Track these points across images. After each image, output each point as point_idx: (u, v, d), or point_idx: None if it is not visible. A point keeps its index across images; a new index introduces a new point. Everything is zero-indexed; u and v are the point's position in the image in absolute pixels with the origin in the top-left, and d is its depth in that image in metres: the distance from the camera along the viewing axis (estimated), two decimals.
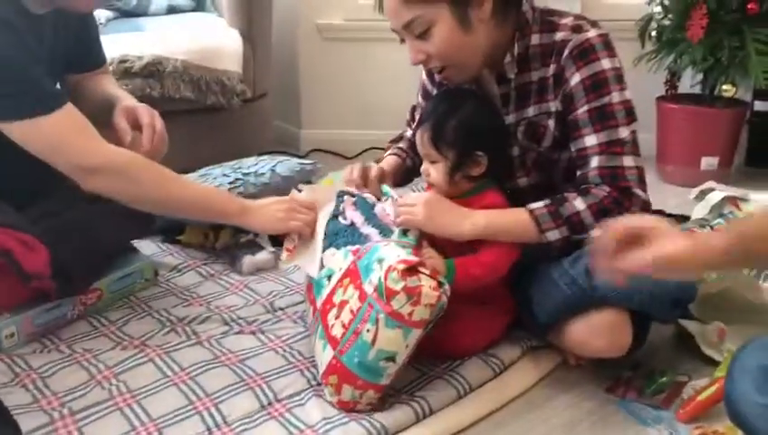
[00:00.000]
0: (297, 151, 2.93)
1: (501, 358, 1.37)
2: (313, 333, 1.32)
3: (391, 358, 1.17)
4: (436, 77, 1.48)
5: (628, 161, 1.30)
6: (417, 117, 1.64)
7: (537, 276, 1.36)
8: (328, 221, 1.42)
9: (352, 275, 1.25)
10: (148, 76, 2.11)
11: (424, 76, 1.58)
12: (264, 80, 2.56)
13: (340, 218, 1.39)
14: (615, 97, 1.30)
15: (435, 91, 1.55)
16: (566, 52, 1.31)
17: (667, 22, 2.50)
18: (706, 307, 1.47)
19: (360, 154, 2.93)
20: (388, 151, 1.65)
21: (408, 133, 1.68)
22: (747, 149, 2.70)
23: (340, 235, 1.36)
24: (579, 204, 1.28)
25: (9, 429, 1.07)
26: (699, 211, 1.81)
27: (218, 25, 2.54)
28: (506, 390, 1.33)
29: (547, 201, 1.31)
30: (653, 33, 2.53)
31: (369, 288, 1.18)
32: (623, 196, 1.28)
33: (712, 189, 1.84)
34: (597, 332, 1.27)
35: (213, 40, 2.35)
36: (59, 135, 1.34)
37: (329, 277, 1.31)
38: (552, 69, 1.34)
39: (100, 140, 1.38)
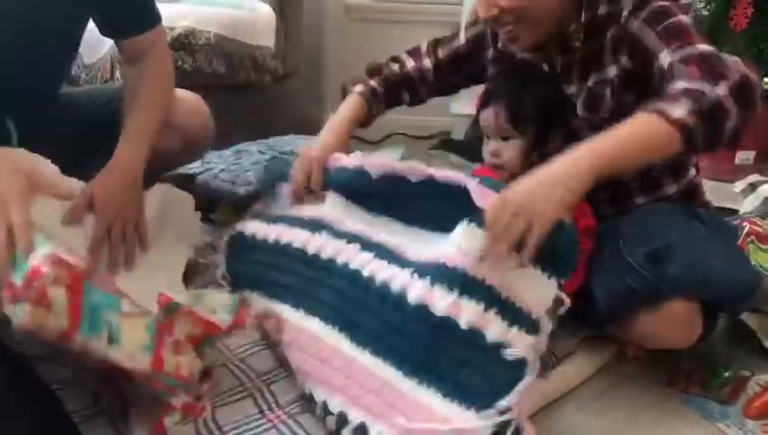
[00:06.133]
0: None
1: (554, 351, 1.30)
2: None
3: None
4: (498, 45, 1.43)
5: (703, 47, 1.13)
6: (440, 51, 1.54)
7: (595, 264, 1.28)
8: None
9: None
10: (180, 48, 2.03)
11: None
12: (295, 58, 2.49)
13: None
14: (683, 18, 1.18)
15: (492, 52, 1.47)
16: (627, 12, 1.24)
17: (705, 12, 2.44)
18: None
19: (383, 139, 2.87)
20: (356, 88, 1.51)
21: (411, 64, 1.56)
22: None
23: None
24: (676, 85, 1.08)
25: (39, 406, 1.00)
26: (750, 204, 1.76)
27: None
28: (564, 381, 1.27)
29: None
30: None
31: None
32: (714, 65, 1.09)
33: (765, 181, 1.79)
34: (670, 323, 1.18)
35: (246, 14, 2.26)
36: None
37: None
38: (611, 31, 1.26)
39: None
